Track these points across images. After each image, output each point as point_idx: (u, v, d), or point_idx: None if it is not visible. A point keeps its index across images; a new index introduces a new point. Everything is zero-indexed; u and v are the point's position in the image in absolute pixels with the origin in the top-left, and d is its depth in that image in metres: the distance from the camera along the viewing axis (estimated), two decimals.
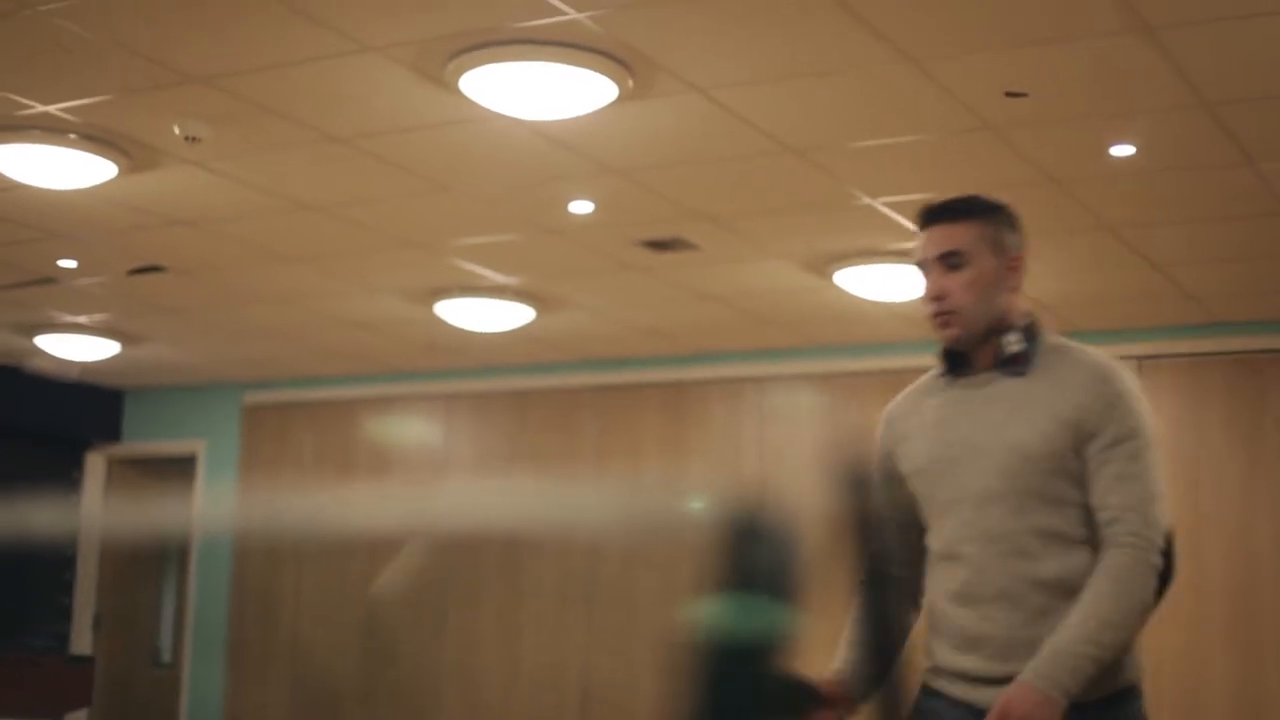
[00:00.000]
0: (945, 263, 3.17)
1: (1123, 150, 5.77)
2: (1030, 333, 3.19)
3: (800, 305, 8.22)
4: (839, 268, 7.38)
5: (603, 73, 5.09)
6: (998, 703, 2.91)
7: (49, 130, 5.79)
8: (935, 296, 3.17)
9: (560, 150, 5.96)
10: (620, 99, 5.30)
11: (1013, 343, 3.17)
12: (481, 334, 8.88)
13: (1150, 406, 3.14)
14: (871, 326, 8.49)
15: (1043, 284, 7.64)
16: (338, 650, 9.76)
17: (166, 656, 11.53)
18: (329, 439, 10.54)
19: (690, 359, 9.48)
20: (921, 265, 3.22)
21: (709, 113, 5.52)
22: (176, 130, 5.77)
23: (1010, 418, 3.11)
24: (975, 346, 3.20)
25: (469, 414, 10.17)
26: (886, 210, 6.54)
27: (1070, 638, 2.93)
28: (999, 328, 3.18)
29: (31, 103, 5.55)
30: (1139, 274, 7.39)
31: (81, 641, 10.89)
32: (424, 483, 9.69)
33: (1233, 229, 6.74)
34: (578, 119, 5.51)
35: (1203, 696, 7.91)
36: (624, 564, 8.87)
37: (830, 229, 6.90)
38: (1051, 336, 3.23)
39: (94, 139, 5.88)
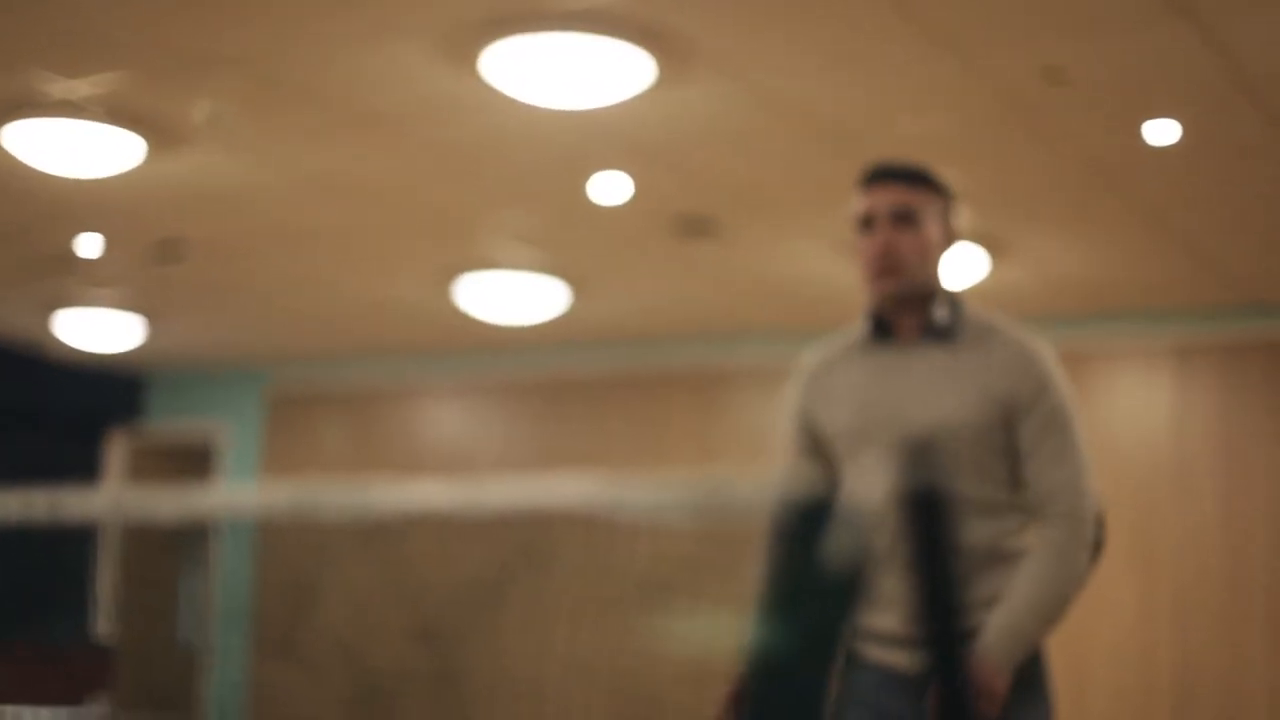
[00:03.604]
0: (897, 219, 3.17)
1: (1165, 134, 5.66)
2: (956, 305, 3.22)
3: (838, 293, 8.09)
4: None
5: (638, 57, 5.00)
6: None
7: (73, 109, 5.72)
8: (883, 249, 3.16)
9: (594, 135, 5.89)
10: (656, 84, 5.21)
11: (942, 313, 3.19)
12: (512, 324, 8.76)
13: (1070, 385, 3.19)
14: None
15: (1082, 267, 7.54)
16: (365, 635, 9.71)
17: (189, 642, 11.51)
18: (353, 425, 10.47)
19: (726, 345, 9.36)
20: (867, 219, 3.20)
21: (745, 98, 5.45)
22: (201, 111, 5.71)
23: (938, 390, 3.15)
24: (901, 313, 3.21)
25: (498, 404, 10.07)
26: None
27: (1019, 613, 3.05)
28: (929, 295, 3.20)
29: (56, 79, 5.49)
30: (1179, 259, 7.30)
31: (104, 627, 10.86)
32: (450, 469, 9.61)
33: (1276, 214, 6.64)
34: (612, 103, 5.42)
35: (1242, 691, 7.80)
36: (660, 559, 8.78)
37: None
38: (977, 311, 3.25)
39: (119, 119, 5.80)
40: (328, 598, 10.50)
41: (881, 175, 3.22)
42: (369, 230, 7.39)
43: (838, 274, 7.67)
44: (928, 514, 1.26)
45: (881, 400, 3.19)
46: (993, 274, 7.48)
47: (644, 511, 1.37)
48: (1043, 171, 6.17)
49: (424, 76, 5.35)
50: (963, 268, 7.25)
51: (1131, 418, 8.27)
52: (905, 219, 3.17)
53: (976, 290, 7.67)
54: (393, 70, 5.31)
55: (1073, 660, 8.16)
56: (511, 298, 8.13)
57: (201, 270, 8.24)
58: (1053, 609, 3.12)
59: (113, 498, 1.58)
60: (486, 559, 8.80)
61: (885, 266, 3.17)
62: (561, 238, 7.35)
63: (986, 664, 3.03)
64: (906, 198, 3.18)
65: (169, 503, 1.69)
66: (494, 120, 5.76)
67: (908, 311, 3.21)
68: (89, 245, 7.76)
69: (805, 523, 1.27)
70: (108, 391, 11.02)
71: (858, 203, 3.23)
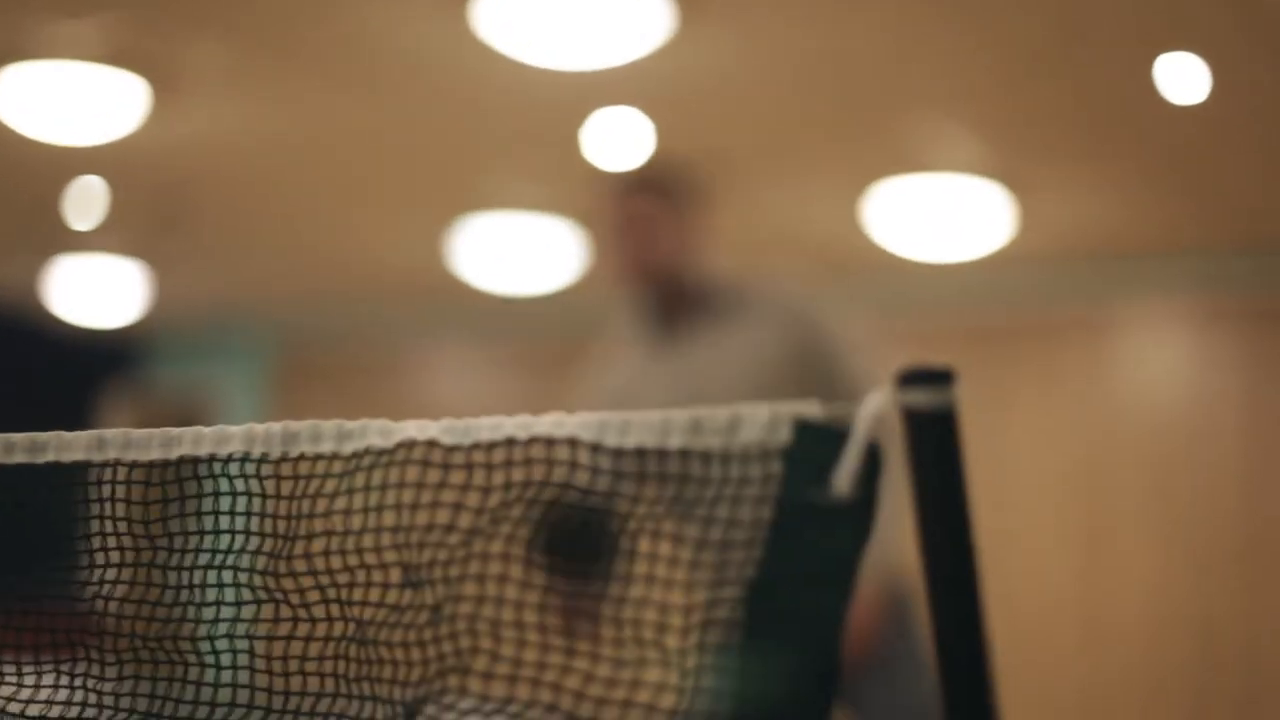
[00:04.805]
0: (646, 224, 3.49)
1: (1189, 76, 5.54)
2: (716, 286, 3.49)
3: (850, 245, 7.93)
4: (888, 208, 7.08)
5: (645, 7, 4.90)
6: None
7: (69, 59, 5.63)
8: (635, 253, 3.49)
9: (601, 87, 5.81)
10: (664, 34, 5.11)
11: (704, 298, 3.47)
12: (527, 289, 8.60)
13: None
14: (919, 277, 8.23)
15: (1101, 218, 7.43)
16: (357, 574, 9.56)
17: (179, 590, 11.45)
18: (361, 392, 10.34)
19: None
20: (621, 225, 3.53)
21: (756, 48, 5.38)
22: (198, 60, 5.64)
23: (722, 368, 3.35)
24: (671, 309, 3.48)
25: (513, 369, 9.96)
26: (942, 149, 6.37)
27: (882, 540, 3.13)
28: (689, 288, 3.48)
29: (54, 21, 5.40)
30: (1203, 209, 7.20)
31: (87, 577, 10.77)
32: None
33: None
34: (619, 54, 5.32)
35: (1263, 649, 7.74)
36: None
37: (881, 165, 6.67)
38: (734, 284, 3.50)
39: (114, 65, 5.70)
40: (319, 538, 10.32)
41: (632, 187, 3.55)
42: (373, 185, 7.31)
43: (851, 225, 7.54)
44: (937, 437, 1.20)
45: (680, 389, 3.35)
46: (1012, 228, 7.32)
47: (636, 442, 1.31)
48: (1060, 118, 6.07)
49: (430, 28, 5.27)
50: (982, 220, 7.02)
51: (1152, 373, 8.19)
52: (653, 224, 3.47)
53: (999, 245, 7.45)
54: (402, 19, 5.23)
55: (1090, 619, 8.09)
56: (526, 262, 7.93)
57: (206, 229, 8.17)
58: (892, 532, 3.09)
59: (96, 438, 1.53)
60: (478, 495, 8.67)
61: (640, 270, 3.46)
62: (576, 196, 7.24)
63: (866, 598, 3.00)
64: (653, 207, 3.48)
65: (156, 443, 1.64)
66: (500, 74, 5.67)
67: (676, 306, 3.47)
68: (86, 204, 7.67)
69: (818, 446, 1.21)
70: (106, 354, 10.94)
71: (613, 209, 3.53)
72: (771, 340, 3.23)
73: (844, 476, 1.15)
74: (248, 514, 1.56)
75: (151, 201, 7.63)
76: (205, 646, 1.53)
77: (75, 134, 6.20)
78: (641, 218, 3.43)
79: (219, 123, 6.43)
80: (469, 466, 1.41)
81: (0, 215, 8.14)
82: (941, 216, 6.93)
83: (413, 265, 8.88)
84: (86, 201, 7.47)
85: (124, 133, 6.25)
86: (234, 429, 1.56)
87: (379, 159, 6.92)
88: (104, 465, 1.65)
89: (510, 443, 1.38)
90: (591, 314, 9.48)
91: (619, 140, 6.34)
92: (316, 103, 6.17)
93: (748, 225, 7.73)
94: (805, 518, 1.18)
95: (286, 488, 1.52)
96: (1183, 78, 5.54)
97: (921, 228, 7.06)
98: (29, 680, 1.65)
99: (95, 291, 9.20)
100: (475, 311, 9.81)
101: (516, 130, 6.44)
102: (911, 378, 1.19)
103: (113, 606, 1.60)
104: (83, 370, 10.89)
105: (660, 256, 3.41)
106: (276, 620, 1.54)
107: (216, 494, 1.58)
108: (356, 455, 1.49)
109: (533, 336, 9.78)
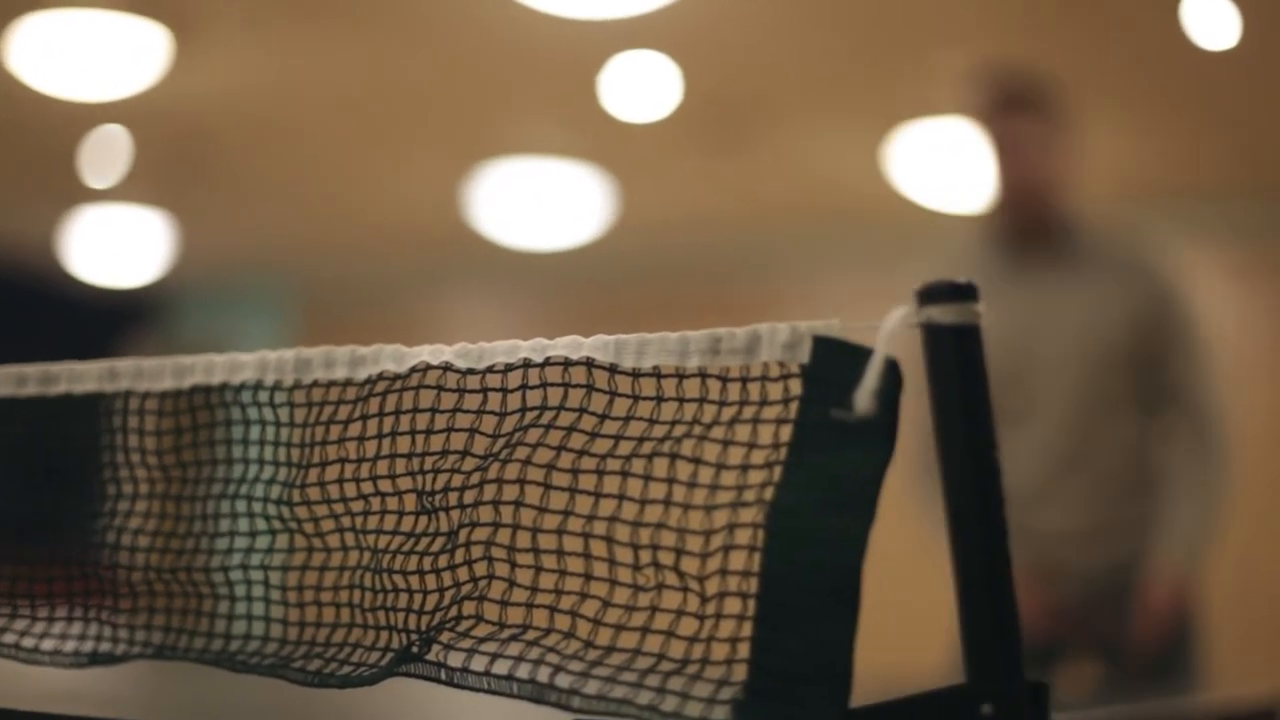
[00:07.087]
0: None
1: (1217, 26, 5.47)
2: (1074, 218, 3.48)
3: (871, 195, 7.87)
4: (912, 153, 7.02)
5: None
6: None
7: (86, 8, 5.58)
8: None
9: (626, 36, 5.77)
10: None
11: None
12: (549, 243, 8.56)
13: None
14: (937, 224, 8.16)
15: (1132, 168, 7.37)
16: (371, 502, 9.57)
17: (203, 524, 11.45)
18: (381, 340, 10.34)
19: (760, 252, 9.21)
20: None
21: None
22: (216, 7, 5.60)
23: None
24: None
25: (535, 323, 9.93)
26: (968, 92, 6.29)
27: (1194, 521, 3.28)
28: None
29: None
30: (1233, 160, 7.13)
31: (108, 511, 10.75)
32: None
33: None
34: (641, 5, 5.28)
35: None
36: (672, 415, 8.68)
37: (907, 108, 6.61)
38: (1092, 224, 3.50)
39: (133, 12, 5.66)
40: (334, 466, 10.34)
41: (1014, 103, 3.40)
42: (403, 139, 7.26)
43: (874, 170, 7.48)
44: (959, 352, 1.17)
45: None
46: None
47: (654, 363, 1.29)
48: (1095, 55, 6.01)
49: None
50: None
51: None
52: (1039, 145, 3.39)
53: None
54: None
55: None
56: (550, 213, 7.85)
57: (226, 181, 8.14)
58: (1218, 517, 3.21)
59: (108, 368, 1.50)
60: (493, 419, 8.67)
61: (1023, 195, 3.36)
62: (600, 146, 7.19)
63: (1167, 580, 3.01)
64: (1038, 127, 3.40)
65: (169, 373, 1.61)
66: (522, 16, 5.64)
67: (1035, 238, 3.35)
68: (107, 156, 7.65)
69: (839, 365, 1.18)
70: (125, 310, 10.91)
71: (996, 126, 3.36)
72: (1118, 302, 3.09)
73: (864, 394, 1.13)
74: (261, 443, 1.54)
75: (172, 153, 7.60)
76: (220, 578, 1.51)
77: (95, 86, 6.13)
78: (1027, 138, 3.26)
79: (238, 74, 6.39)
80: (484, 391, 1.39)
81: (20, 171, 8.11)
82: (960, 161, 6.83)
83: (436, 216, 8.84)
84: (107, 153, 7.45)
85: (144, 84, 6.21)
86: (247, 357, 1.54)
87: (401, 107, 6.88)
88: (116, 396, 1.62)
89: (525, 365, 1.36)
90: (618, 268, 9.52)
91: (642, 84, 6.29)
92: (337, 51, 6.13)
93: (770, 169, 7.70)
94: (826, 438, 1.15)
95: (300, 415, 1.50)
96: (1211, 22, 5.47)
97: (947, 173, 6.97)
98: (42, 615, 1.64)
99: (117, 245, 9.17)
100: (499, 264, 9.78)
101: (539, 74, 6.40)
102: (933, 292, 1.17)
103: (126, 539, 1.58)
104: (102, 326, 10.87)
105: (1043, 181, 3.25)
106: (291, 550, 1.52)
107: (229, 423, 1.55)
108: (370, 381, 1.47)
109: (559, 291, 9.75)
